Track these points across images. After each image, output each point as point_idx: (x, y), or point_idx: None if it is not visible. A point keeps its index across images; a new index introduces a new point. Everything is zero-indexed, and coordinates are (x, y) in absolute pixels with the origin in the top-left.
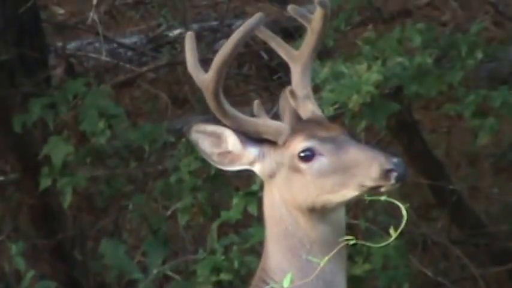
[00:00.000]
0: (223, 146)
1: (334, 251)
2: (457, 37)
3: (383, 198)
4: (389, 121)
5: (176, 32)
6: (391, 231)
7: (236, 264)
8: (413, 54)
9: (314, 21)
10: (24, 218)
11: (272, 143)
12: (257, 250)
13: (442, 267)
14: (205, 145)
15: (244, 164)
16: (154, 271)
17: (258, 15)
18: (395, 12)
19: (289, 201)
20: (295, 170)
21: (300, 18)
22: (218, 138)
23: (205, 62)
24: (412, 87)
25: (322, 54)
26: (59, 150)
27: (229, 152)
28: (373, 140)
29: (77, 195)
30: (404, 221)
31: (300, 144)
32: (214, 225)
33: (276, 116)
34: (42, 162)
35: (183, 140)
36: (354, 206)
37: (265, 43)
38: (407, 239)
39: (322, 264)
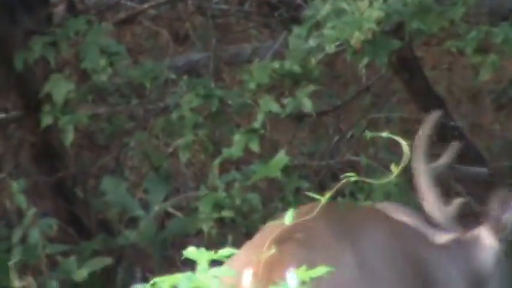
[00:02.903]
0: None
1: (335, 188)
2: None
3: (384, 134)
4: (391, 58)
5: None
6: (393, 167)
7: (238, 201)
8: None
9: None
10: (25, 156)
11: None
12: (259, 187)
13: None
14: None
15: None
16: (156, 208)
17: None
18: None
19: None
20: None
21: None
22: None
23: None
24: (413, 24)
25: None
26: (60, 88)
27: None
28: (374, 77)
29: (79, 133)
30: (405, 158)
31: None
32: (216, 162)
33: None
34: (43, 100)
35: (184, 77)
36: (355, 143)
37: None
38: (409, 175)
39: (324, 201)
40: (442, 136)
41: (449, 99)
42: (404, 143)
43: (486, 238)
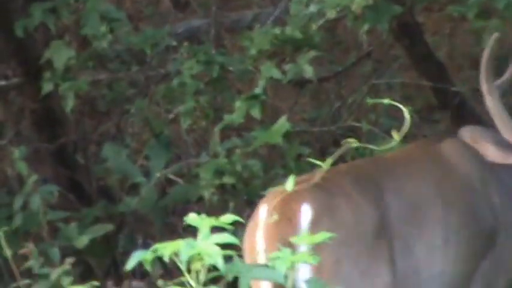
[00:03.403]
0: None
1: (336, 154)
2: None
3: (385, 100)
4: (392, 24)
5: None
6: (394, 133)
7: (239, 167)
8: None
9: None
10: (26, 123)
11: None
12: (260, 153)
13: None
14: None
15: None
16: (157, 175)
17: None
18: None
19: None
20: None
21: None
22: None
23: None
24: None
25: None
26: (60, 54)
27: None
28: (375, 43)
29: (79, 100)
30: (406, 124)
31: None
32: (217, 129)
33: (278, 20)
34: (44, 67)
35: (185, 43)
36: (356, 109)
37: None
38: (410, 141)
39: (325, 167)
40: (443, 102)
41: (451, 65)
42: (405, 109)
43: None
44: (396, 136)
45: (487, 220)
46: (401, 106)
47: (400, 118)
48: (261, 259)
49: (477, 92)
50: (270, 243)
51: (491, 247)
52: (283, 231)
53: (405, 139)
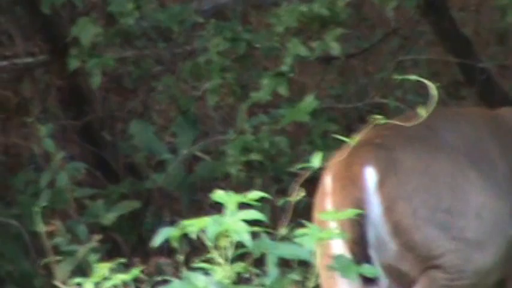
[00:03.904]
0: None
1: (363, 131)
2: None
3: (412, 77)
4: (418, 0)
5: None
6: (420, 109)
7: (266, 144)
8: None
9: None
10: (53, 100)
11: None
12: (287, 130)
13: None
14: None
15: None
16: (184, 152)
17: None
18: None
19: None
20: None
21: None
22: None
23: None
24: None
25: None
26: (87, 31)
27: None
28: (401, 19)
29: (106, 77)
30: (433, 100)
31: None
32: (244, 106)
33: None
34: (70, 44)
35: (212, 20)
36: (383, 86)
37: None
38: None
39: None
40: (469, 78)
41: (477, 40)
42: (431, 85)
43: None
44: (423, 112)
45: None
46: (427, 82)
47: (427, 94)
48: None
49: (504, 68)
50: (340, 210)
51: None
52: (352, 195)
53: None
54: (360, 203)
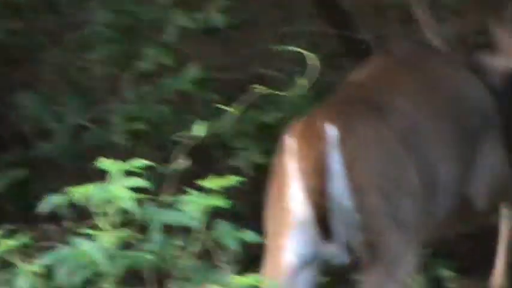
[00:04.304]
0: None
1: (245, 99)
2: None
3: (292, 48)
4: None
5: None
6: (300, 80)
7: (150, 113)
8: None
9: None
10: None
11: None
12: (170, 100)
13: None
14: None
15: None
16: (70, 121)
17: None
18: None
19: None
20: None
21: None
22: None
23: None
24: None
25: None
26: None
27: None
28: None
29: None
30: (312, 71)
31: None
32: (129, 76)
33: None
34: None
35: None
36: (262, 56)
37: None
38: (316, 87)
39: (234, 113)
40: (348, 49)
41: (355, 12)
42: (311, 56)
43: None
44: (302, 82)
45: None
46: (307, 53)
47: (308, 65)
48: (295, 181)
49: (381, 39)
50: (305, 164)
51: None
52: (315, 149)
53: (311, 85)
54: (323, 156)
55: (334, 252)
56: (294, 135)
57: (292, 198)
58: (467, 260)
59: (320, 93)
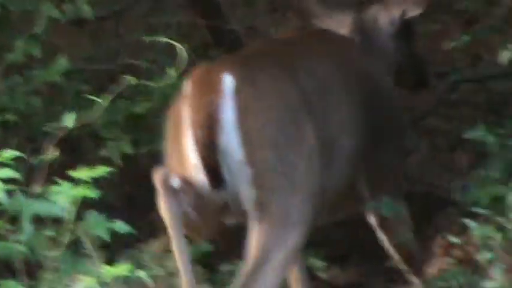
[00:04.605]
0: None
1: (115, 89)
2: None
3: (162, 38)
4: None
5: None
6: (170, 70)
7: (20, 104)
8: None
9: None
10: None
11: None
12: (40, 91)
13: None
14: None
15: None
16: None
17: None
18: None
19: None
20: None
21: None
22: None
23: None
24: None
25: None
26: None
27: None
28: None
29: None
30: (182, 61)
31: None
32: None
33: None
34: None
35: None
36: (134, 48)
37: None
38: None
39: (104, 104)
40: (218, 39)
41: (225, 2)
42: (181, 47)
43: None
44: (172, 73)
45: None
46: (176, 44)
47: (177, 56)
48: (187, 129)
49: (251, 29)
50: (197, 112)
51: None
52: (208, 98)
53: (181, 75)
54: (214, 106)
55: (228, 200)
56: (192, 81)
57: (186, 146)
58: (338, 248)
59: None
